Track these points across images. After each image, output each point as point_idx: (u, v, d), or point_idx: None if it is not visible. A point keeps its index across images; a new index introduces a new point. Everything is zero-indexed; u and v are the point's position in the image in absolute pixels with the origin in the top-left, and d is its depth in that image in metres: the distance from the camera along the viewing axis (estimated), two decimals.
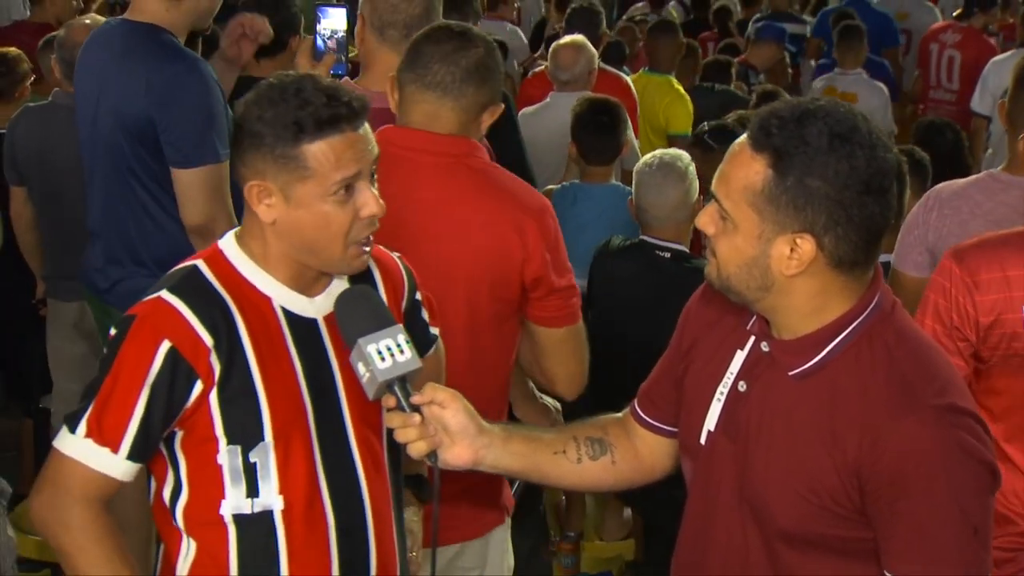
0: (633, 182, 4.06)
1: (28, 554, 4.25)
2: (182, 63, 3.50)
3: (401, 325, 2.10)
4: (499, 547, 2.97)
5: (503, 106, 2.89)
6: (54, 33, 4.95)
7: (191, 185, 3.46)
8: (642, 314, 3.79)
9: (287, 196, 2.09)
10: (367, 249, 2.14)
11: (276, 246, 2.13)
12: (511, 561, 3.04)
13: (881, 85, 7.54)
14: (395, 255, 2.36)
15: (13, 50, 5.11)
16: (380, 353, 2.03)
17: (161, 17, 3.55)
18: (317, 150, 2.06)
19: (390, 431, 2.19)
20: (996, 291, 2.60)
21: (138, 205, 3.59)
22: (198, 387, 2.07)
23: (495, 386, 2.80)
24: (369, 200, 2.10)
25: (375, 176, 2.14)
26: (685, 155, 4.04)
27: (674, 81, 6.61)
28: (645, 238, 3.98)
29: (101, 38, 3.74)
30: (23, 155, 4.51)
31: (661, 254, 3.91)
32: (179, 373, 2.05)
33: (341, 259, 2.12)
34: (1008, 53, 7.03)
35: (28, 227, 4.62)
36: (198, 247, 3.42)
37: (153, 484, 2.18)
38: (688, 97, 6.51)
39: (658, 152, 4.10)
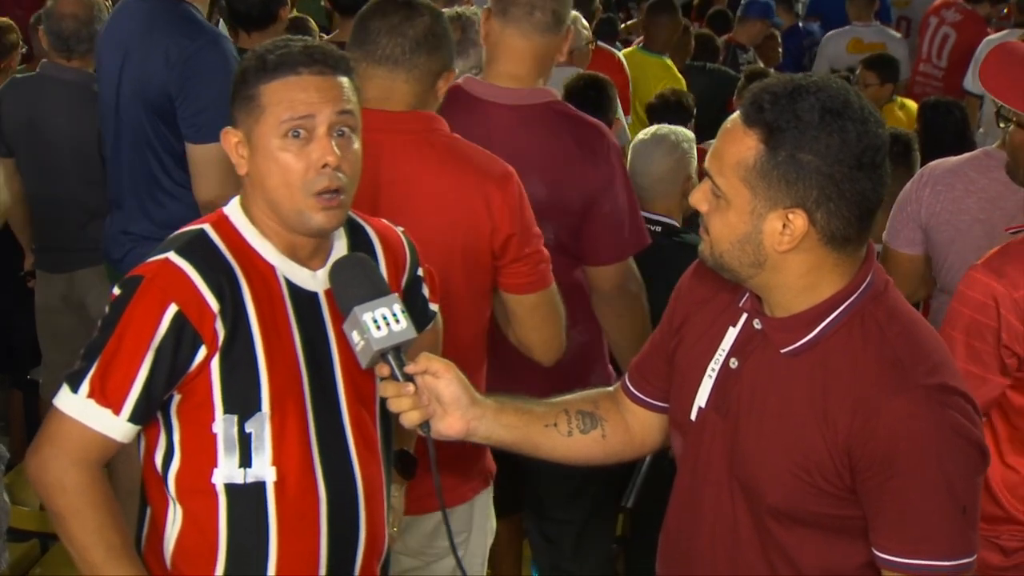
0: (628, 159, 4.06)
1: (17, 524, 4.25)
2: (203, 38, 3.50)
3: (397, 294, 2.09)
4: (483, 511, 3.00)
5: (455, 71, 2.88)
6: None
7: (204, 161, 3.46)
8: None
9: (250, 142, 2.10)
10: (332, 204, 2.10)
11: (259, 206, 2.13)
12: (493, 524, 3.08)
13: (900, 35, 7.83)
14: (399, 229, 2.35)
15: (4, 20, 5.08)
16: (376, 322, 2.01)
17: None
18: (270, 88, 2.07)
19: (381, 406, 2.19)
20: None
21: (154, 177, 3.60)
22: (202, 352, 2.06)
23: (469, 357, 2.80)
24: (324, 148, 2.07)
25: (351, 135, 2.12)
26: (683, 131, 4.03)
27: (669, 63, 6.62)
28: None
29: (126, 10, 3.75)
30: (11, 127, 4.49)
31: (651, 228, 3.91)
32: (184, 337, 2.04)
33: (302, 211, 2.09)
34: (1002, 33, 7.01)
35: (16, 199, 4.60)
36: None
37: (143, 447, 2.17)
38: (683, 79, 6.52)
39: (653, 128, 4.11)
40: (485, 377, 2.90)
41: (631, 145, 4.07)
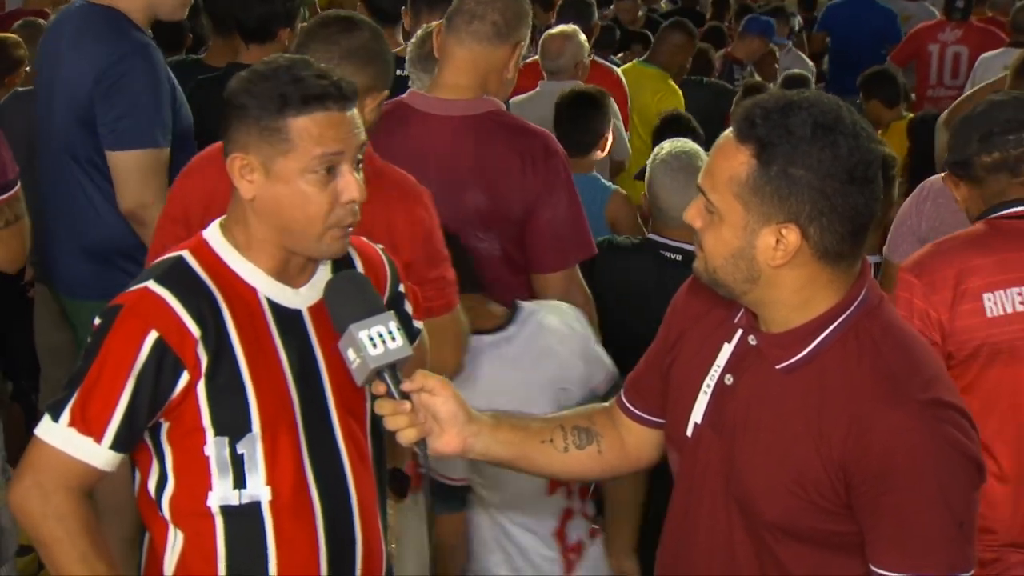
0: (647, 177, 3.85)
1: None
2: (128, 46, 3.48)
3: (392, 312, 2.09)
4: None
5: (387, 93, 2.87)
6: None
7: (124, 168, 3.45)
8: (653, 315, 3.67)
9: (268, 170, 2.09)
10: (348, 233, 2.13)
11: (258, 229, 2.13)
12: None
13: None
14: (378, 247, 2.36)
15: (11, 36, 5.09)
16: (372, 339, 2.02)
17: (116, 1, 3.55)
18: (300, 124, 2.06)
19: (374, 422, 2.20)
20: (952, 287, 2.62)
21: (79, 190, 3.58)
22: (184, 378, 2.07)
23: None
24: (351, 184, 2.09)
25: (361, 164, 2.13)
26: (699, 149, 3.80)
27: (667, 75, 6.62)
28: (653, 237, 3.80)
29: (60, 21, 3.75)
30: (10, 140, 4.48)
31: (671, 255, 3.71)
32: (165, 364, 2.05)
33: (318, 241, 2.11)
34: (996, 51, 7.04)
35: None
36: (138, 232, 3.45)
37: (138, 475, 2.18)
38: (680, 91, 6.52)
39: (675, 147, 3.84)
40: None
41: (649, 169, 3.83)
